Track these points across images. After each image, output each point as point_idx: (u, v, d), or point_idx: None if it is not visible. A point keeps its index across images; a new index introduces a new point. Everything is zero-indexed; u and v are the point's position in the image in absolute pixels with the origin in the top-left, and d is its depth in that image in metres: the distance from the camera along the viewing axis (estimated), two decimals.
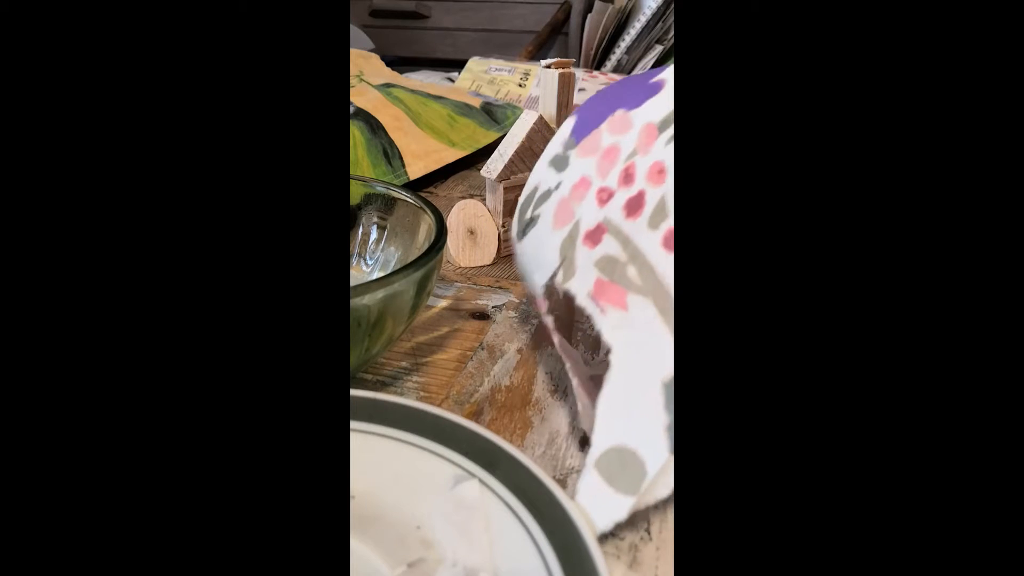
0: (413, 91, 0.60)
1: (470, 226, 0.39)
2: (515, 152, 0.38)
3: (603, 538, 0.21)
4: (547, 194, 0.26)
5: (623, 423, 0.20)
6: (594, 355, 0.29)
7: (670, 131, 0.22)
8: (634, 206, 0.22)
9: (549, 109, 0.38)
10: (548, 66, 0.38)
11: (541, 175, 0.27)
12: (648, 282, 0.20)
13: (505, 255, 0.41)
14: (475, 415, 0.26)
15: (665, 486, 0.19)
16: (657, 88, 0.24)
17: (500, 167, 0.38)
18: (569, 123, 0.26)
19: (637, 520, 0.21)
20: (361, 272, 0.32)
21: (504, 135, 0.41)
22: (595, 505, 0.19)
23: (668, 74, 0.24)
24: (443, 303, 0.35)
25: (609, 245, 0.22)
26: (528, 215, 0.26)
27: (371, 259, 0.32)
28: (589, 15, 0.90)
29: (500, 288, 0.37)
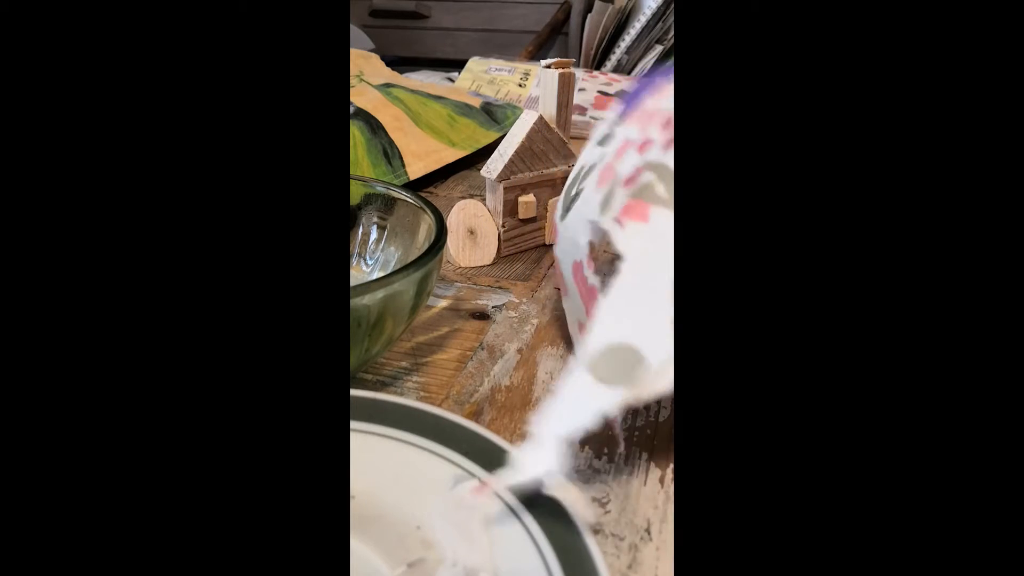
0: (413, 91, 0.60)
1: (470, 226, 0.39)
2: (515, 152, 0.38)
3: (598, 531, 0.21)
4: (591, 168, 0.26)
5: (625, 320, 0.19)
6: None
7: None
8: (670, 144, 0.22)
9: (549, 109, 0.38)
10: (548, 66, 0.38)
11: (587, 155, 0.27)
12: (673, 195, 0.20)
13: (505, 255, 0.41)
14: (475, 415, 0.26)
15: (666, 379, 0.18)
16: None
17: (500, 167, 0.38)
18: (617, 104, 0.27)
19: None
20: (361, 272, 0.32)
21: (504, 135, 0.41)
22: (580, 402, 0.18)
23: None
24: (443, 303, 0.35)
25: (645, 177, 0.22)
26: (572, 192, 0.27)
27: (371, 259, 0.32)
28: (589, 15, 0.90)
29: (500, 288, 0.37)
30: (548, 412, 0.19)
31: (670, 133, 0.23)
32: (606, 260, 0.30)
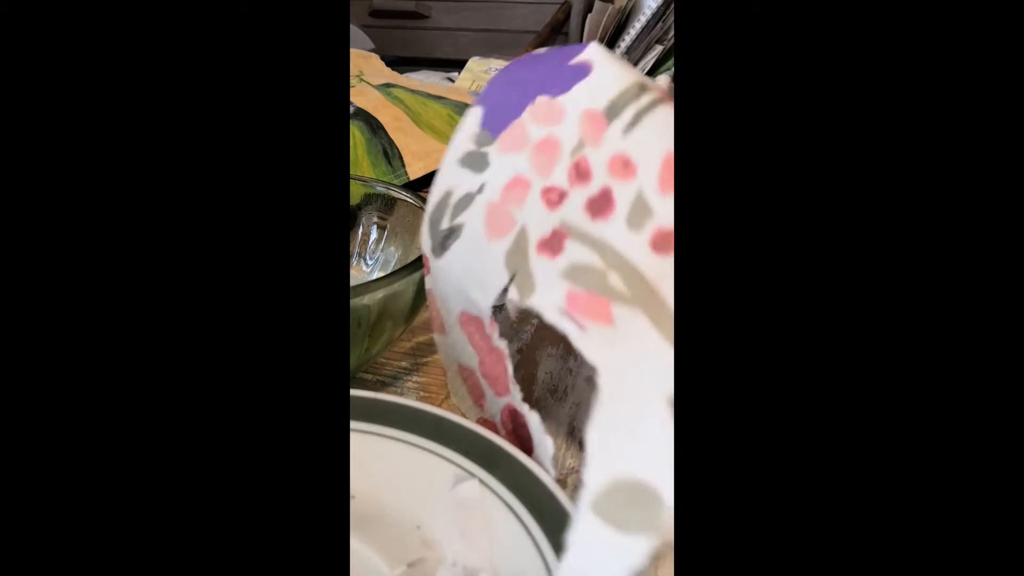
0: (413, 91, 0.60)
1: None
2: None
3: None
4: (467, 199, 0.22)
5: (625, 452, 0.16)
6: (566, 383, 0.25)
7: (624, 118, 0.20)
8: (600, 205, 0.19)
9: None
10: None
11: (452, 177, 0.23)
12: (637, 291, 0.18)
13: None
14: None
15: None
16: (583, 71, 0.21)
17: None
18: (474, 114, 0.23)
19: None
20: (361, 272, 0.32)
21: None
22: (599, 558, 0.16)
23: (592, 53, 0.21)
24: None
25: (576, 252, 0.19)
26: (445, 226, 0.22)
27: (371, 259, 0.32)
28: (589, 15, 0.90)
29: None
30: (562, 569, 0.16)
31: (589, 188, 0.19)
32: (515, 324, 0.26)
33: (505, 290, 0.21)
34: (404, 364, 0.29)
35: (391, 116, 0.54)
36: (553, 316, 0.19)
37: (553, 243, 0.20)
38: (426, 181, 0.54)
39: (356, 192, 0.32)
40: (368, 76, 0.63)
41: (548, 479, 0.20)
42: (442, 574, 0.18)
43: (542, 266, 0.20)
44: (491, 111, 0.22)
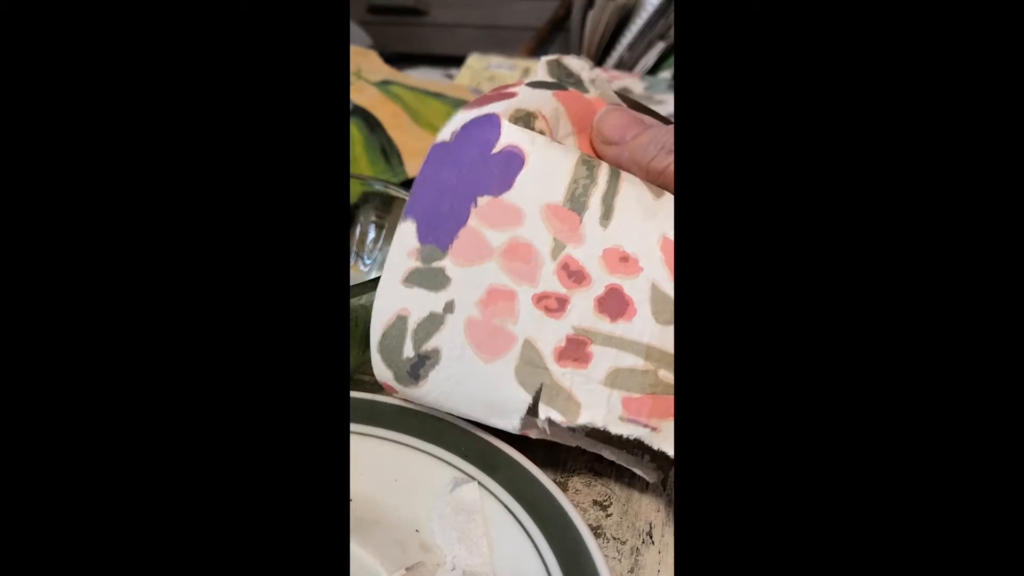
0: (412, 88, 0.59)
1: None
2: None
3: (600, 536, 0.20)
4: (434, 321, 0.20)
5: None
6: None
7: (593, 210, 0.19)
8: (616, 306, 0.19)
9: None
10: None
11: (400, 299, 0.20)
12: None
13: None
14: None
15: None
16: (516, 160, 0.20)
17: None
18: (406, 229, 0.20)
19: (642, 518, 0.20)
20: (359, 271, 0.31)
21: None
22: None
23: (510, 134, 0.20)
24: None
25: (610, 357, 0.19)
26: (409, 353, 0.20)
27: (369, 258, 0.32)
28: (590, 11, 0.89)
29: None
30: None
31: (591, 289, 0.19)
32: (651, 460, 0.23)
33: (531, 410, 0.20)
34: None
35: (390, 113, 0.54)
36: (618, 427, 0.19)
37: (575, 352, 0.19)
38: None
39: (354, 190, 0.32)
40: (366, 73, 0.62)
41: (548, 482, 0.20)
42: None
43: (573, 378, 0.19)
44: (426, 223, 0.20)
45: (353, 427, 0.22)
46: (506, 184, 0.20)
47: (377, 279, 0.23)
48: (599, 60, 0.91)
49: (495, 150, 0.20)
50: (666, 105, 0.65)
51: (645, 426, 0.18)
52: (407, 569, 0.18)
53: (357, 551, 0.19)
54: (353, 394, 0.22)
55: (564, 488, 0.22)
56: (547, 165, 0.20)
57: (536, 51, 1.05)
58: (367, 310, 0.23)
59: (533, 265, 0.20)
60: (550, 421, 0.20)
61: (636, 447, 0.20)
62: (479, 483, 0.20)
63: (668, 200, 0.20)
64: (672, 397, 0.18)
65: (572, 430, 0.20)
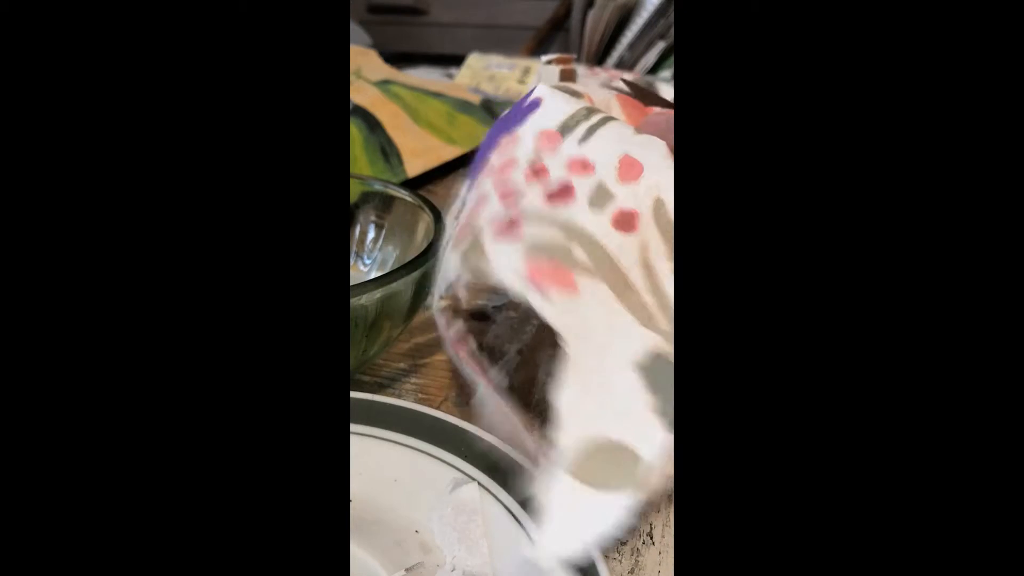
0: (412, 88, 0.59)
1: None
2: None
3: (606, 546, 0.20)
4: (448, 236, 0.24)
5: (597, 414, 0.17)
6: (502, 354, 0.26)
7: (577, 133, 0.21)
8: (560, 194, 0.20)
9: None
10: (549, 62, 0.37)
11: (447, 232, 0.25)
12: (600, 263, 0.18)
13: None
14: None
15: (666, 474, 0.16)
16: (535, 105, 0.23)
17: None
18: (464, 185, 0.24)
19: (643, 518, 0.21)
20: (359, 272, 0.31)
21: None
22: (580, 518, 0.16)
23: (541, 90, 0.23)
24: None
25: (536, 231, 0.19)
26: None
27: (368, 258, 0.32)
28: (590, 11, 0.89)
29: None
30: (544, 533, 0.16)
31: (548, 183, 0.20)
32: (515, 325, 0.26)
33: (454, 281, 0.21)
34: (402, 365, 0.29)
35: (389, 113, 0.54)
36: (516, 283, 0.19)
37: (510, 228, 0.20)
38: (425, 179, 0.54)
39: (354, 190, 0.32)
40: (366, 73, 0.62)
41: None
42: None
43: (498, 248, 0.20)
44: (472, 171, 0.24)
45: (353, 427, 0.22)
46: (521, 122, 0.23)
47: (375, 279, 0.23)
48: (599, 60, 0.91)
49: (525, 103, 0.23)
50: None
51: (539, 291, 0.18)
52: (407, 570, 0.18)
53: (356, 551, 0.18)
54: (353, 394, 0.22)
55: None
56: (555, 105, 0.22)
57: (536, 51, 1.05)
58: (367, 310, 0.23)
59: (510, 171, 0.22)
60: (456, 285, 0.21)
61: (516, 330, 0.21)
62: (479, 483, 0.20)
63: (649, 138, 0.21)
64: (574, 273, 0.18)
65: (521, 318, 0.21)
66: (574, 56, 0.39)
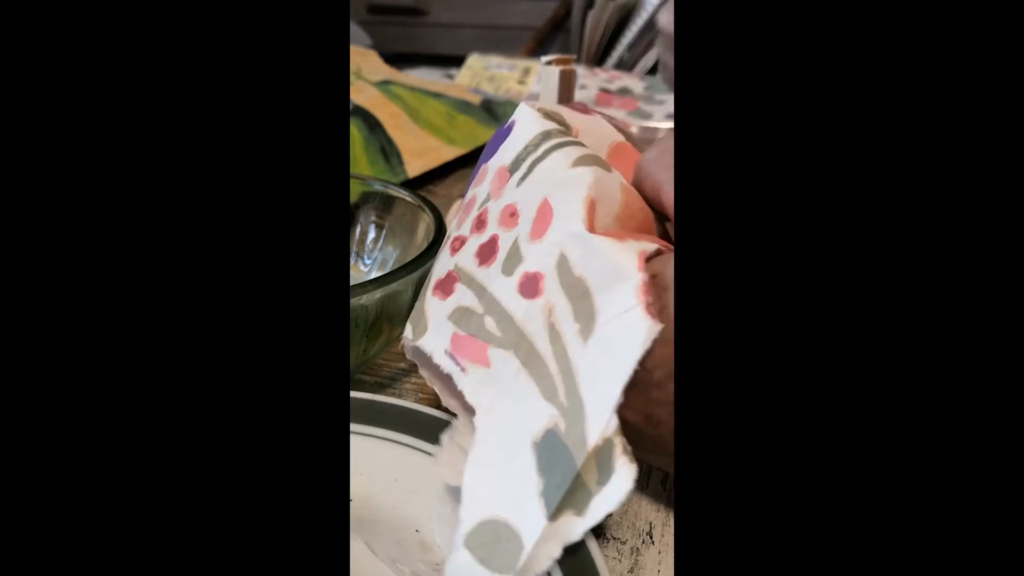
0: (412, 88, 0.59)
1: None
2: None
3: (600, 536, 0.20)
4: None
5: (493, 492, 0.17)
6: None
7: (521, 170, 0.21)
8: (487, 252, 0.20)
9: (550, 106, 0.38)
10: (549, 63, 0.37)
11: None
12: (508, 334, 0.19)
13: None
14: None
15: (546, 558, 0.16)
16: (510, 130, 0.23)
17: None
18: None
19: (643, 518, 0.21)
20: (359, 272, 0.31)
21: None
22: None
23: (519, 112, 0.23)
24: None
25: (462, 295, 0.20)
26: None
27: (369, 259, 0.32)
28: (590, 11, 0.89)
29: None
30: None
31: (482, 236, 0.21)
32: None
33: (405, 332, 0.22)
34: (402, 365, 0.29)
35: (389, 113, 0.54)
36: (440, 358, 0.20)
37: (446, 284, 0.21)
38: (425, 179, 0.54)
39: (354, 190, 0.32)
40: (366, 73, 0.62)
41: None
42: None
43: (434, 307, 0.21)
44: (467, 185, 0.24)
45: (353, 427, 0.22)
46: (494, 152, 0.23)
47: (375, 279, 0.23)
48: (599, 60, 0.91)
49: (507, 125, 0.23)
50: (666, 105, 0.65)
51: (458, 364, 0.19)
52: (407, 569, 0.18)
53: (356, 550, 0.18)
54: (353, 394, 0.22)
55: None
56: (520, 133, 0.22)
57: (536, 51, 1.05)
58: (367, 310, 0.23)
59: (467, 215, 0.22)
60: (405, 338, 0.22)
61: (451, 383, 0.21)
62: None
63: (580, 172, 0.20)
64: (488, 347, 0.19)
65: (414, 351, 0.22)
66: (574, 56, 0.39)
